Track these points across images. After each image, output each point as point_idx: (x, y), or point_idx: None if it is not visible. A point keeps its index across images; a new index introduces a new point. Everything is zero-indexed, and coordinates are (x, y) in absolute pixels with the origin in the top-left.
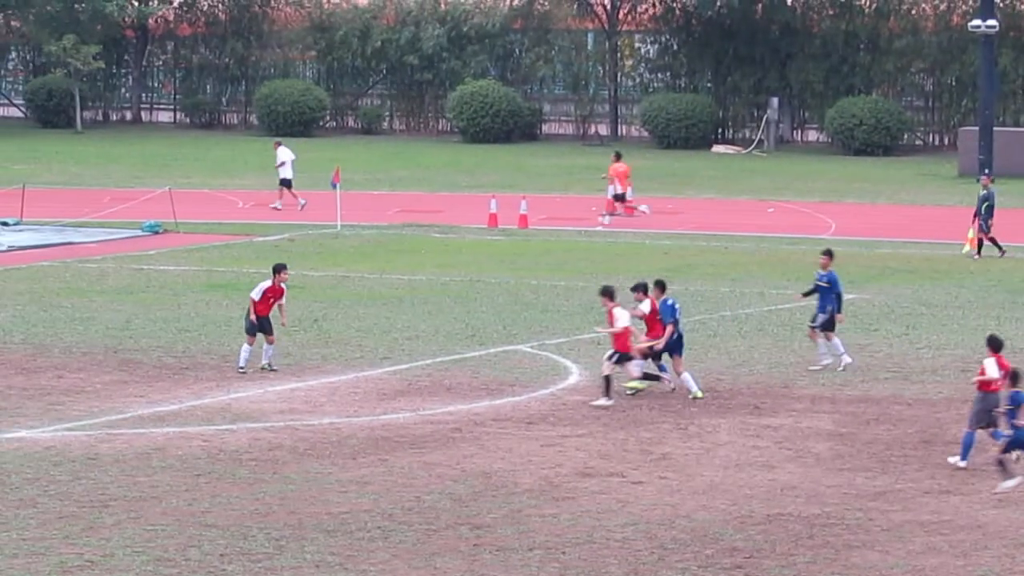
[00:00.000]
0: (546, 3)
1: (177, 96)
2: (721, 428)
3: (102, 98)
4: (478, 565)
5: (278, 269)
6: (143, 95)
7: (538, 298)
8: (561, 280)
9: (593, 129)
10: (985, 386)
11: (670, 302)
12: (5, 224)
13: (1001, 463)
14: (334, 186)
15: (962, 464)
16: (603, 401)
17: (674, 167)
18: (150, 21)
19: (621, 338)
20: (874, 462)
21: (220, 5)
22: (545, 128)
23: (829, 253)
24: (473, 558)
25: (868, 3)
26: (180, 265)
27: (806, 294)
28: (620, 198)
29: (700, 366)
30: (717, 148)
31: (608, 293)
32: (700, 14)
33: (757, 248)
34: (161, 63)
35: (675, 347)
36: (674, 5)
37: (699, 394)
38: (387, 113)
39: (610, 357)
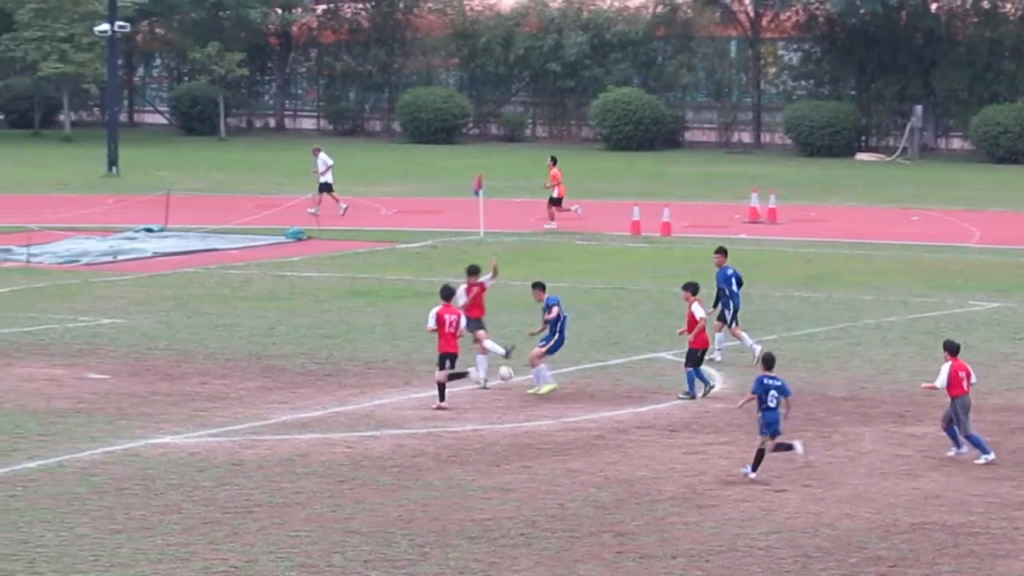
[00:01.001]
0: (689, 11)
1: (320, 103)
2: (865, 437)
3: (246, 105)
4: (621, 572)
5: (472, 271)
6: (286, 102)
7: (680, 306)
8: (704, 288)
9: (736, 136)
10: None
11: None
12: (150, 230)
13: None
14: (476, 193)
15: (991, 456)
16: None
17: (817, 175)
18: (293, 28)
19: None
20: (1019, 471)
21: (363, 12)
22: (687, 135)
23: (721, 251)
24: (616, 566)
25: (1013, 10)
26: (323, 272)
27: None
28: (556, 202)
29: (843, 374)
30: (861, 156)
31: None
32: (844, 21)
33: (900, 256)
34: (304, 70)
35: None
36: (817, 13)
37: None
38: (529, 120)
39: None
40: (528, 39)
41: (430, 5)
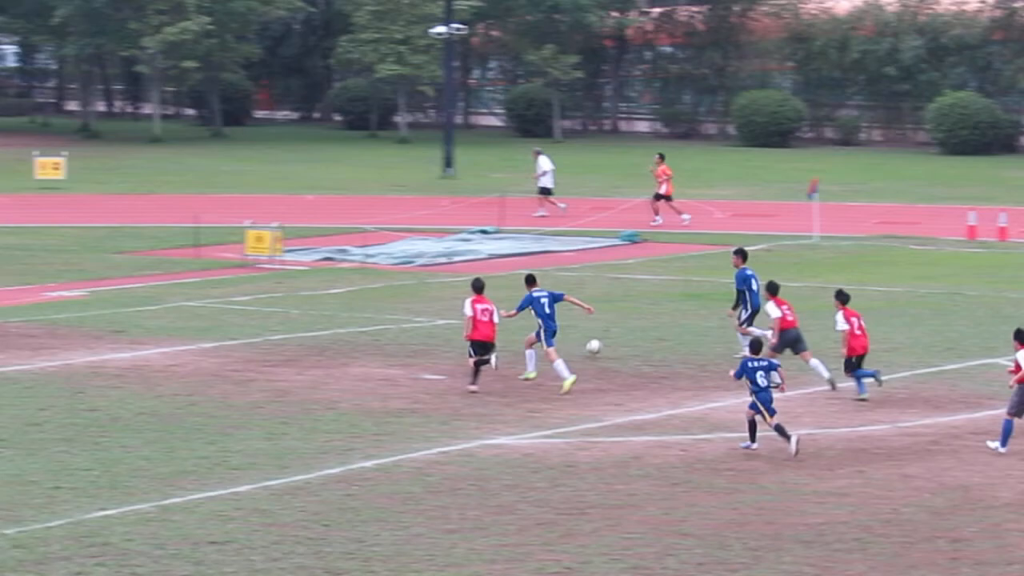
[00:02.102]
0: None
1: (655, 106)
2: None
3: (580, 107)
4: None
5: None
6: (621, 105)
7: (1018, 311)
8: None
9: None
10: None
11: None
12: (484, 232)
13: None
14: (811, 197)
15: (1002, 450)
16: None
17: None
18: (628, 31)
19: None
20: None
21: (699, 15)
22: None
23: (739, 253)
24: (951, 572)
25: None
26: (657, 274)
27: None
28: (664, 198)
29: None
30: None
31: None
32: None
33: None
34: (639, 73)
35: None
36: None
37: None
38: (864, 124)
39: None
40: (864, 43)
41: (765, 8)
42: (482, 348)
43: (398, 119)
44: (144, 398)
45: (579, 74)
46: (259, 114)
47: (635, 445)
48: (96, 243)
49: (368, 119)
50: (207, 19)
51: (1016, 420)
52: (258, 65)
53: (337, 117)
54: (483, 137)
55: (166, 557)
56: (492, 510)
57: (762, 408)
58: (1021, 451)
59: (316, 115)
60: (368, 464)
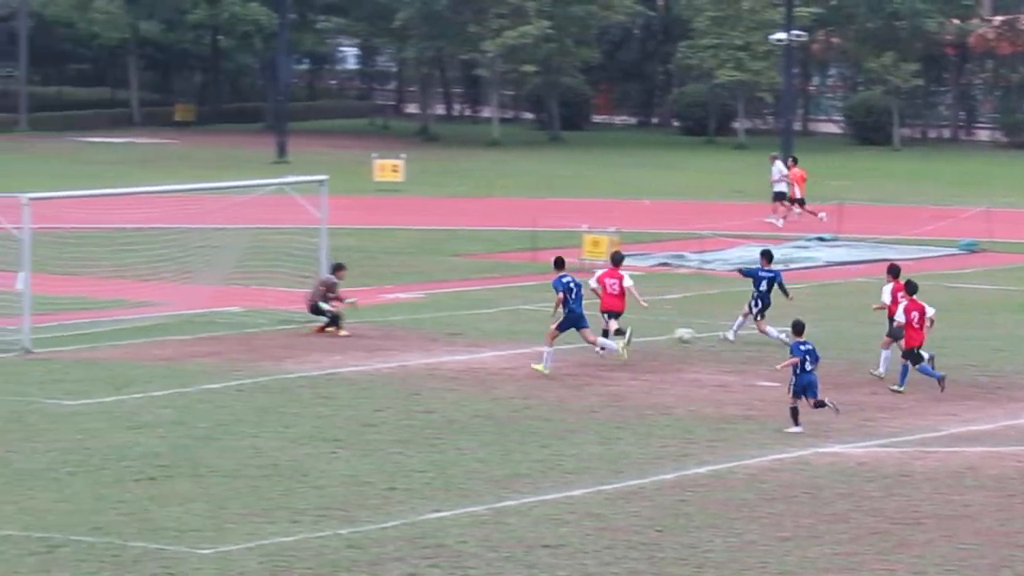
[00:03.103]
0: None
1: (995, 115)
2: None
3: (920, 115)
4: None
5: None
6: (960, 113)
7: None
8: None
9: None
10: None
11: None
12: (822, 239)
13: None
14: None
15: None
16: None
17: None
18: (970, 39)
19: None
20: None
21: None
22: None
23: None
24: None
25: None
26: (996, 284)
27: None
28: (786, 198)
29: None
30: None
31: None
32: None
33: None
34: (980, 81)
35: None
36: None
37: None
38: None
39: None
40: None
41: None
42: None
43: (736, 125)
44: (480, 400)
45: (919, 82)
46: (597, 119)
47: (970, 455)
48: (433, 245)
49: (706, 125)
50: (547, 23)
51: None
52: (597, 69)
53: (675, 122)
54: (821, 144)
55: (499, 560)
56: (825, 518)
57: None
58: None
59: (654, 120)
60: (702, 470)
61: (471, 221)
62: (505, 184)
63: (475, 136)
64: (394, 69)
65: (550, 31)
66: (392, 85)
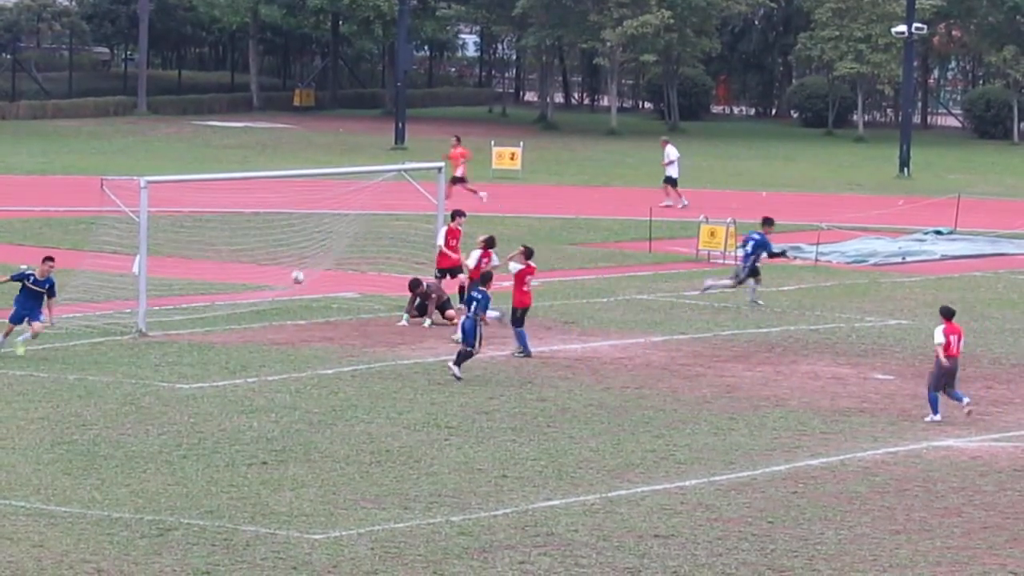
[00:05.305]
0: None
1: None
2: None
3: None
4: None
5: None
6: None
7: None
8: None
9: None
10: None
11: None
12: (939, 233)
13: None
14: None
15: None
16: None
17: None
18: None
19: None
20: None
21: None
22: None
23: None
24: None
25: None
26: None
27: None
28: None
29: None
30: None
31: None
32: None
33: None
34: None
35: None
36: None
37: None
38: None
39: None
40: None
41: None
42: None
43: (855, 117)
44: (593, 390)
45: None
46: (716, 109)
47: None
48: (550, 234)
49: (825, 117)
50: (668, 13)
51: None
52: (717, 60)
53: (794, 114)
54: (940, 138)
55: (610, 549)
56: (938, 512)
57: None
58: None
59: (773, 111)
60: (814, 462)
61: (588, 210)
62: (622, 174)
63: (594, 125)
64: (513, 57)
65: (671, 21)
66: (511, 73)
